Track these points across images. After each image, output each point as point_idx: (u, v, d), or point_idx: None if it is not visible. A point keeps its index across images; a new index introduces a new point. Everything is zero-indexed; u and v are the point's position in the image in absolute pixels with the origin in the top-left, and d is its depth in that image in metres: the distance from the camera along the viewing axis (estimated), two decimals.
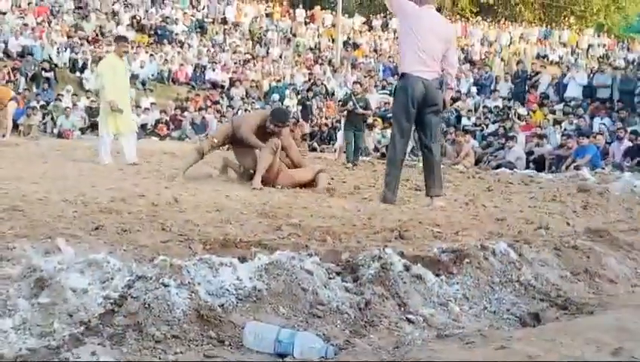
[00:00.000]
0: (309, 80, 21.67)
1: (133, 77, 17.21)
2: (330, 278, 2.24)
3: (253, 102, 19.22)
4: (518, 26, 30.00)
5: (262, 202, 4.63)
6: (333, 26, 26.32)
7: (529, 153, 12.57)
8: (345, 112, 11.75)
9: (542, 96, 17.06)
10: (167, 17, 24.10)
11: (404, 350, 1.87)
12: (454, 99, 18.48)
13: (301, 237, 3.29)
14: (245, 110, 17.61)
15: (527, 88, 17.97)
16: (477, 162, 12.71)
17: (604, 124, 13.52)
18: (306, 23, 27.40)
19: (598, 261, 2.84)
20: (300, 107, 18.68)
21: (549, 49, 26.92)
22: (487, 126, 15.68)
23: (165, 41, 22.31)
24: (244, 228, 3.47)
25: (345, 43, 25.73)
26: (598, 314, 2.23)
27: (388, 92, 17.32)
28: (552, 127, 14.02)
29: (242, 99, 19.69)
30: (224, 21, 25.94)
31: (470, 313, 2.28)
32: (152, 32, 22.84)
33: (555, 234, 3.52)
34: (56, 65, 18.93)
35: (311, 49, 25.41)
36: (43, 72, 18.17)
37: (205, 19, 25.48)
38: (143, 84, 19.48)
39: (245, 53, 23.47)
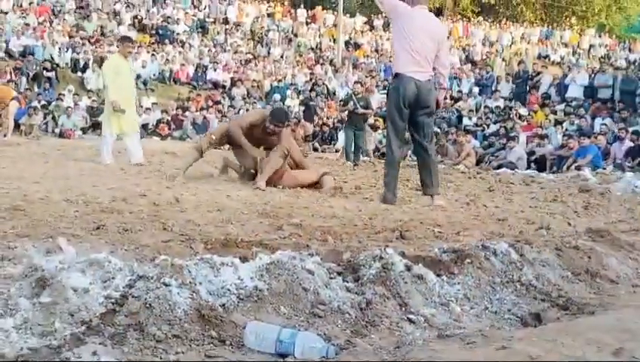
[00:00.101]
0: (311, 80, 21.69)
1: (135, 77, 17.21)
2: (331, 278, 2.24)
3: (254, 102, 19.23)
4: (520, 26, 29.99)
5: (263, 202, 4.63)
6: (335, 25, 26.34)
7: (530, 153, 12.57)
8: (346, 112, 11.77)
9: (543, 97, 17.06)
10: (169, 17, 24.11)
11: (405, 350, 1.87)
12: (455, 99, 18.52)
13: (302, 237, 3.29)
14: (247, 110, 17.62)
15: (528, 88, 17.98)
16: (478, 162, 12.72)
17: (605, 125, 13.51)
18: (307, 23, 27.40)
19: (600, 261, 2.84)
20: (302, 107, 18.66)
21: (550, 49, 26.90)
22: (488, 126, 15.69)
23: (167, 40, 22.33)
24: (246, 228, 3.48)
25: (346, 43, 25.75)
26: (599, 315, 2.23)
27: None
28: (553, 128, 14.02)
29: (243, 99, 19.70)
30: (225, 21, 25.95)
31: (471, 313, 2.28)
32: (154, 32, 22.86)
33: (556, 235, 3.51)
34: (57, 65, 18.95)
35: (312, 49, 25.41)
36: (44, 72, 18.19)
37: (207, 19, 25.50)
38: (145, 83, 19.50)
39: (246, 53, 23.49)
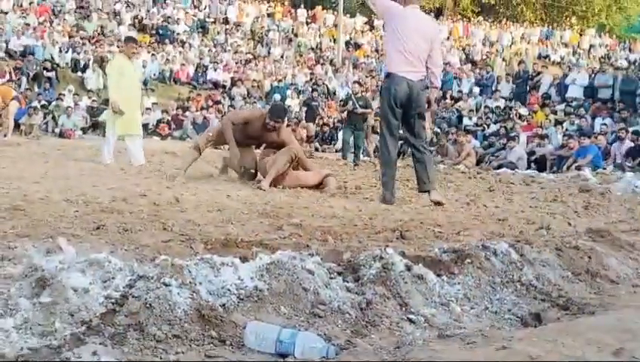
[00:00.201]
0: (311, 80, 21.68)
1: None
2: (331, 278, 2.24)
3: (254, 102, 19.22)
4: (520, 26, 29.98)
5: (263, 202, 4.63)
6: (335, 26, 26.34)
7: (530, 153, 12.58)
8: (345, 112, 11.77)
9: (543, 97, 17.06)
10: (169, 17, 24.11)
11: (405, 350, 1.87)
12: (455, 99, 18.53)
13: (302, 237, 3.29)
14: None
15: (528, 88, 17.98)
16: (478, 162, 12.72)
17: (605, 125, 13.52)
18: (307, 23, 27.40)
19: (600, 261, 2.84)
20: (305, 108, 18.65)
21: (550, 49, 26.90)
22: (488, 126, 15.70)
23: (167, 40, 22.33)
24: (246, 228, 3.48)
25: (346, 43, 25.75)
26: (600, 315, 2.23)
27: None
28: (553, 128, 14.03)
29: (244, 98, 19.70)
30: (226, 21, 25.95)
31: (471, 313, 2.28)
32: (154, 32, 22.86)
33: (556, 235, 3.51)
34: (57, 65, 18.95)
35: (312, 49, 25.41)
36: (44, 72, 18.18)
37: (207, 19, 25.50)
38: (145, 83, 19.49)
39: (247, 53, 23.48)
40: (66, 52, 19.63)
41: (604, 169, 10.64)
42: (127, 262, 2.09)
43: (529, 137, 13.68)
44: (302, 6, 29.78)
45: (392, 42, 5.16)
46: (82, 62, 19.34)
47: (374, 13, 27.42)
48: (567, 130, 13.61)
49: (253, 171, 6.35)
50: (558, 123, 14.48)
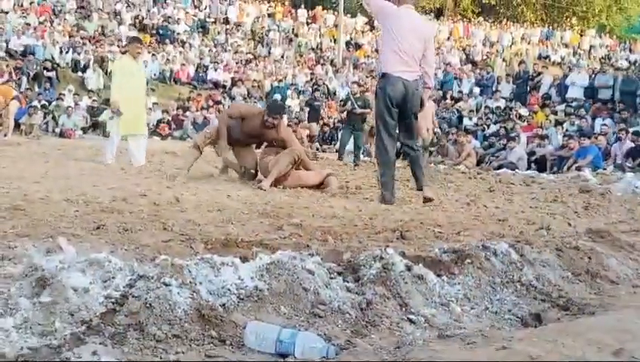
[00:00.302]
0: (311, 80, 21.69)
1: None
2: (331, 278, 2.24)
3: (255, 102, 19.23)
4: (520, 26, 29.98)
5: (263, 202, 4.63)
6: (336, 26, 26.35)
7: (531, 154, 12.58)
8: (345, 113, 11.77)
9: (544, 97, 17.06)
10: (169, 17, 24.11)
11: (405, 350, 1.87)
12: (455, 100, 18.53)
13: (302, 237, 3.29)
14: None
15: (528, 89, 17.98)
16: (478, 162, 12.73)
17: (605, 125, 13.51)
18: (307, 23, 27.40)
19: (600, 262, 2.84)
20: (307, 108, 18.65)
21: (550, 50, 26.90)
22: (488, 126, 15.70)
23: (167, 40, 22.32)
24: (246, 228, 3.48)
25: (347, 43, 25.75)
26: (600, 315, 2.23)
27: None
28: (553, 128, 14.03)
29: (244, 99, 19.69)
30: (226, 21, 25.95)
31: (471, 313, 2.28)
32: (154, 32, 22.85)
33: (556, 235, 3.51)
34: (58, 65, 18.95)
35: (313, 49, 25.41)
36: (45, 72, 18.18)
37: (207, 19, 25.49)
38: (145, 83, 19.47)
39: (247, 53, 23.48)
40: (67, 52, 19.63)
41: (605, 169, 10.64)
42: (127, 262, 2.09)
43: (529, 138, 13.68)
44: (302, 6, 29.78)
45: (387, 42, 5.18)
46: (82, 62, 19.33)
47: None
48: (567, 130, 13.61)
49: (253, 171, 6.35)
50: (558, 123, 14.48)
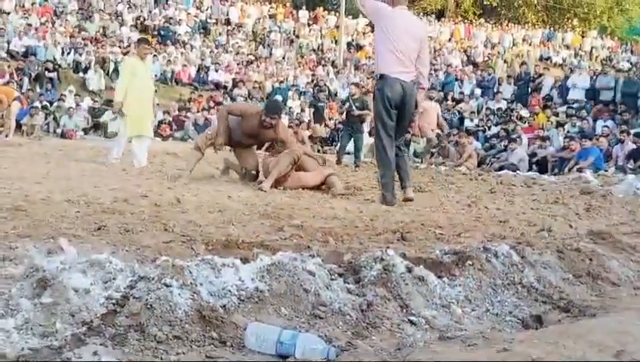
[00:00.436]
0: (312, 81, 21.69)
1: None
2: (332, 279, 2.24)
3: (256, 103, 19.25)
4: (521, 28, 29.99)
5: (264, 203, 4.64)
6: (337, 27, 26.35)
7: (532, 155, 12.57)
8: (344, 114, 11.77)
9: (545, 99, 17.05)
10: (171, 18, 24.13)
11: (405, 352, 1.87)
12: (457, 101, 18.53)
13: (303, 238, 3.29)
14: None
15: (530, 90, 17.97)
16: (480, 164, 12.72)
17: (607, 127, 13.50)
18: (309, 25, 27.41)
19: (601, 263, 2.83)
20: (312, 109, 18.65)
21: (552, 51, 26.90)
22: (489, 128, 15.69)
23: (168, 41, 22.34)
24: (247, 229, 3.48)
25: (348, 44, 25.75)
26: (601, 317, 2.22)
27: None
28: (554, 129, 14.02)
29: (245, 100, 19.70)
30: (227, 22, 25.96)
31: (472, 315, 2.27)
32: (156, 33, 22.86)
33: (557, 237, 3.51)
34: (59, 66, 18.96)
35: (314, 50, 25.42)
36: (46, 73, 18.19)
37: (208, 20, 25.51)
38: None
39: (248, 54, 23.49)
40: (68, 53, 19.65)
41: (606, 171, 10.62)
42: (128, 263, 2.09)
43: (530, 139, 13.67)
44: (303, 7, 29.80)
45: (383, 42, 5.19)
46: (84, 63, 19.35)
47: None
48: (568, 132, 13.61)
49: (254, 172, 6.35)
50: (559, 125, 14.48)
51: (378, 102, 5.23)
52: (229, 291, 1.99)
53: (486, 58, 24.86)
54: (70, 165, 7.26)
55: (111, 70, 19.14)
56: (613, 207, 5.56)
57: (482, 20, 31.32)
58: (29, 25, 20.15)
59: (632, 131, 12.32)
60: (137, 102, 7.80)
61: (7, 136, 12.70)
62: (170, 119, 17.58)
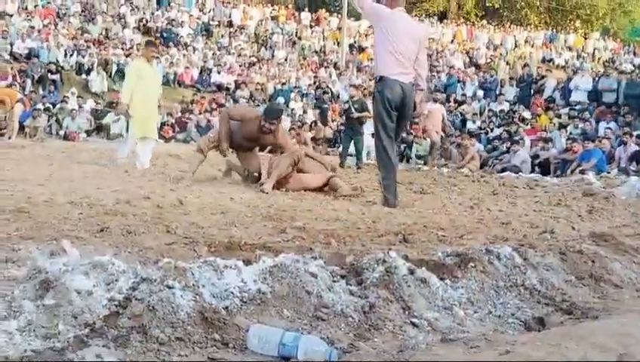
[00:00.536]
0: (315, 83, 21.70)
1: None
2: (334, 281, 2.24)
3: (258, 105, 19.25)
4: (524, 29, 29.95)
5: (266, 205, 4.64)
6: (339, 29, 26.36)
7: (534, 157, 12.57)
8: (345, 117, 11.78)
9: (547, 100, 17.04)
10: (173, 20, 24.17)
11: (408, 354, 1.87)
12: (459, 103, 18.52)
13: (305, 240, 3.29)
14: None
15: (532, 92, 17.96)
16: (482, 166, 12.72)
17: (609, 128, 13.49)
18: (311, 26, 27.43)
19: (604, 265, 2.83)
20: (317, 111, 18.66)
21: (554, 53, 26.86)
22: (492, 130, 15.68)
23: (171, 43, 22.37)
24: (249, 231, 3.48)
25: (350, 46, 25.76)
26: (603, 319, 2.22)
27: None
28: (557, 131, 14.02)
29: (247, 101, 19.72)
30: (230, 24, 25.99)
31: (475, 317, 2.27)
32: (158, 35, 22.89)
33: (560, 239, 3.51)
34: (62, 68, 18.99)
35: (316, 52, 25.43)
36: (49, 75, 18.22)
37: (211, 22, 25.54)
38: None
39: (250, 56, 23.51)
40: (71, 55, 19.68)
41: (609, 173, 10.61)
42: (130, 265, 2.09)
43: (533, 141, 13.67)
44: (306, 9, 29.81)
45: (383, 44, 5.21)
46: (87, 65, 19.39)
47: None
48: (571, 133, 13.60)
49: (257, 174, 6.35)
50: (562, 127, 14.47)
51: (378, 104, 5.24)
52: (232, 293, 2.00)
53: (488, 60, 24.84)
54: (73, 167, 7.27)
55: (113, 72, 19.18)
56: (616, 208, 5.55)
57: (484, 22, 31.30)
58: (32, 27, 20.19)
59: (635, 133, 12.32)
60: (143, 105, 7.82)
61: (9, 138, 12.72)
62: (173, 121, 17.60)
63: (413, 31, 5.28)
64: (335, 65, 23.92)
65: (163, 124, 17.15)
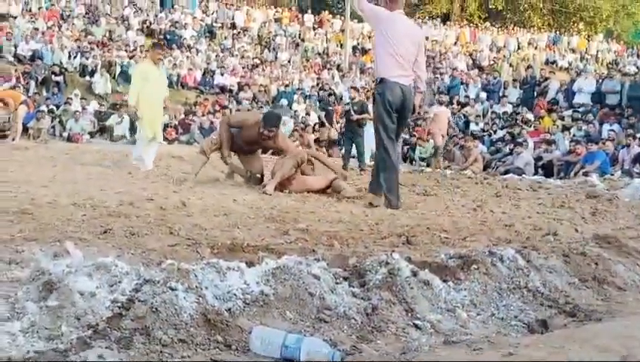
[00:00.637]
0: (318, 85, 21.71)
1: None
2: (337, 283, 2.24)
3: (261, 107, 19.26)
4: (527, 31, 29.93)
5: (269, 206, 4.64)
6: (342, 30, 26.37)
7: (538, 159, 12.55)
8: (345, 119, 11.77)
9: (551, 102, 17.02)
10: (177, 22, 24.20)
11: (410, 356, 1.87)
12: (462, 105, 18.51)
13: (308, 241, 3.29)
14: None
15: (535, 94, 17.94)
16: (485, 167, 12.71)
17: (613, 130, 13.47)
18: (314, 28, 27.45)
19: (607, 268, 2.82)
20: (323, 112, 18.68)
21: (558, 55, 26.83)
22: (495, 132, 15.67)
23: (174, 45, 22.40)
24: (252, 233, 3.48)
25: (353, 48, 25.77)
26: (607, 322, 2.22)
27: None
28: (560, 133, 14.00)
29: (250, 103, 19.73)
30: (233, 26, 26.03)
31: (477, 319, 2.27)
32: (162, 37, 22.92)
33: (563, 241, 3.50)
34: (66, 70, 19.03)
35: (319, 54, 25.45)
36: (53, 76, 18.26)
37: (214, 24, 25.58)
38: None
39: (254, 58, 23.53)
40: (75, 57, 19.71)
41: (612, 175, 10.58)
42: (133, 266, 2.09)
43: (536, 143, 13.65)
44: (309, 11, 29.83)
45: (383, 46, 5.22)
46: (90, 67, 19.42)
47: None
48: (574, 135, 13.58)
49: (259, 176, 6.36)
50: (565, 129, 14.45)
51: (379, 106, 5.25)
52: (234, 295, 2.00)
53: (492, 62, 24.82)
54: (76, 169, 7.28)
55: (117, 74, 19.21)
56: (620, 211, 5.53)
57: (488, 24, 31.28)
58: (36, 29, 20.24)
59: (638, 135, 12.29)
60: (149, 107, 7.86)
61: (13, 139, 12.75)
62: (176, 123, 17.62)
63: (412, 33, 5.30)
64: (338, 67, 23.92)
65: (166, 126, 17.17)
